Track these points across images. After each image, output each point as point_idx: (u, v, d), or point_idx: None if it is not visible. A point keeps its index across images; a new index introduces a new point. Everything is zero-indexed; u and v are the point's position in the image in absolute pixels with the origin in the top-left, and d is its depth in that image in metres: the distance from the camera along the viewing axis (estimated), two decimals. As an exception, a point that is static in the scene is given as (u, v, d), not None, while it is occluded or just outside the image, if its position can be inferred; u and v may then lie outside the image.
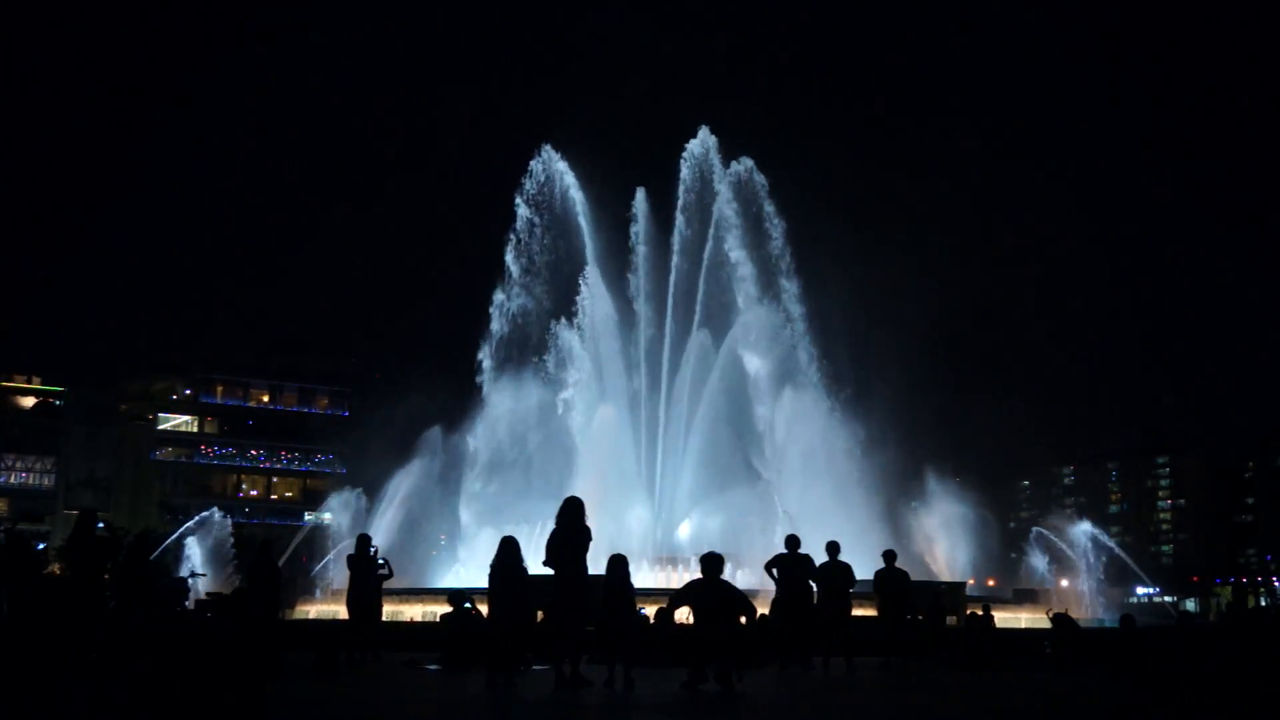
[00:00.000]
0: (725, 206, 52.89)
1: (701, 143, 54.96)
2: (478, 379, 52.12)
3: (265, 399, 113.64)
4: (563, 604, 14.36)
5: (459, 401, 53.39)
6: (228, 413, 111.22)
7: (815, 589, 19.29)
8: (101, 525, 22.28)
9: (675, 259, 53.71)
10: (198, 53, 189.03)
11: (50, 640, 16.28)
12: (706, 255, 52.87)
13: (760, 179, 54.21)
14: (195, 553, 51.38)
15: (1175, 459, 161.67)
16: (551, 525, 14.81)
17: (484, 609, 16.02)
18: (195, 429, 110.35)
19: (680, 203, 54.15)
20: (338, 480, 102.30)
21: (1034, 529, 58.44)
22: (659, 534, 48.54)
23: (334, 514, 57.54)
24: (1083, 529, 57.23)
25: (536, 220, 53.62)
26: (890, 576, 21.05)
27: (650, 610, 23.18)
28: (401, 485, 51.55)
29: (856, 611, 20.94)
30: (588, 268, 53.82)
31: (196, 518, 58.35)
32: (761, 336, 50.88)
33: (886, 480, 52.58)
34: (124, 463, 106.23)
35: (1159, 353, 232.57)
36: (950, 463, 55.79)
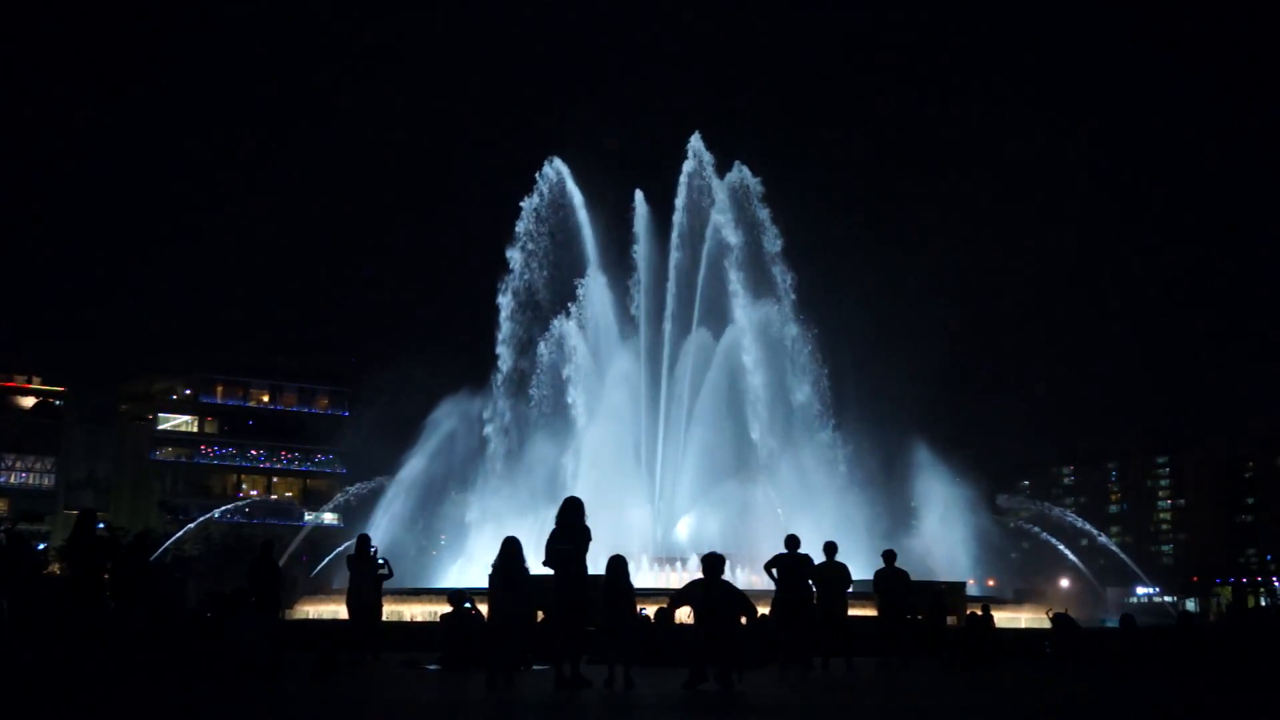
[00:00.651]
0: (722, 226, 52.78)
1: (695, 152, 54.95)
2: (494, 373, 51.93)
3: (265, 399, 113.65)
4: (563, 604, 14.37)
5: (458, 401, 53.28)
6: (228, 413, 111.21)
7: (814, 589, 19.30)
8: (101, 525, 22.30)
9: (674, 255, 53.62)
10: (197, 53, 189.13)
11: (50, 640, 16.29)
12: (705, 254, 52.76)
13: (755, 184, 54.05)
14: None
15: (1175, 459, 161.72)
16: (551, 525, 14.83)
17: (484, 609, 16.03)
18: (195, 429, 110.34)
19: (679, 201, 54.07)
20: (338, 480, 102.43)
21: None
22: (659, 533, 48.51)
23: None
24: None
25: (540, 228, 53.59)
26: (890, 576, 21.06)
27: (650, 610, 23.19)
28: (405, 481, 51.55)
29: (857, 611, 20.94)
30: (589, 269, 53.85)
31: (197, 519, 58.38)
32: (757, 339, 50.77)
33: (885, 480, 52.54)
34: (124, 463, 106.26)
35: (1159, 353, 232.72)
36: (950, 462, 55.64)
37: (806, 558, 19.19)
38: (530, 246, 53.29)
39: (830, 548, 20.22)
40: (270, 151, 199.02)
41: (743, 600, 14.81)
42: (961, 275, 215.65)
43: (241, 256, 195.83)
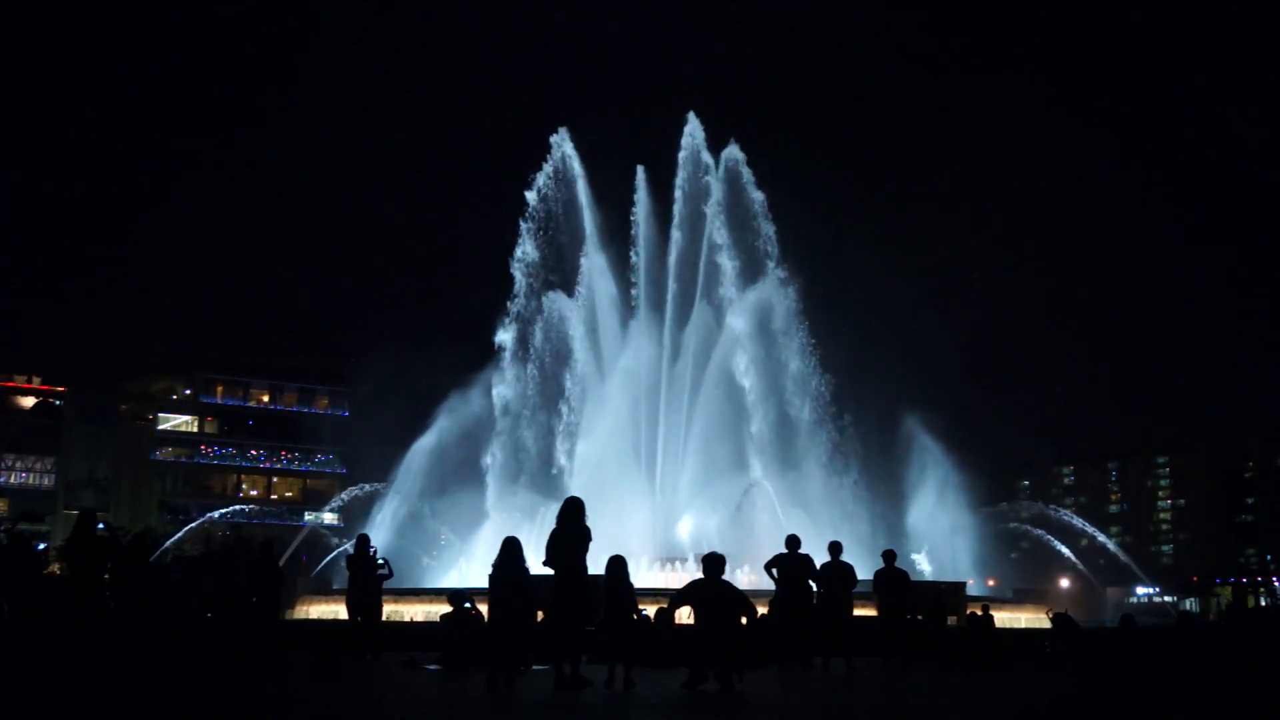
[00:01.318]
0: (716, 220, 52.33)
1: (691, 133, 54.08)
2: (498, 361, 51.45)
3: (265, 399, 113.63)
4: (563, 604, 14.36)
5: (460, 400, 53.12)
6: (228, 413, 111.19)
7: (815, 589, 19.30)
8: (101, 525, 22.30)
9: (675, 234, 52.85)
10: (198, 51, 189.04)
11: (50, 640, 16.28)
12: (706, 240, 52.12)
13: (748, 171, 53.40)
14: None
15: (1175, 459, 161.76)
16: (552, 524, 14.83)
17: (484, 609, 16.02)
18: (195, 429, 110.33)
19: (678, 181, 53.15)
20: (338, 480, 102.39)
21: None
22: (659, 532, 48.40)
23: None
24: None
25: (547, 208, 52.72)
26: (890, 576, 21.06)
27: (650, 610, 23.18)
28: (409, 477, 51.38)
29: (857, 611, 20.93)
30: (587, 246, 52.77)
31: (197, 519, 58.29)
32: (754, 334, 50.30)
33: (883, 480, 52.48)
34: (124, 463, 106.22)
35: (1159, 353, 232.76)
36: (949, 462, 55.60)
37: (807, 558, 19.19)
38: (536, 224, 52.40)
39: (835, 547, 20.23)
40: (270, 151, 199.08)
41: (743, 600, 14.80)
42: (961, 276, 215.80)
43: (242, 256, 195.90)
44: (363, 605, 20.93)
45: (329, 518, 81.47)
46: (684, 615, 20.94)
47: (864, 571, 22.27)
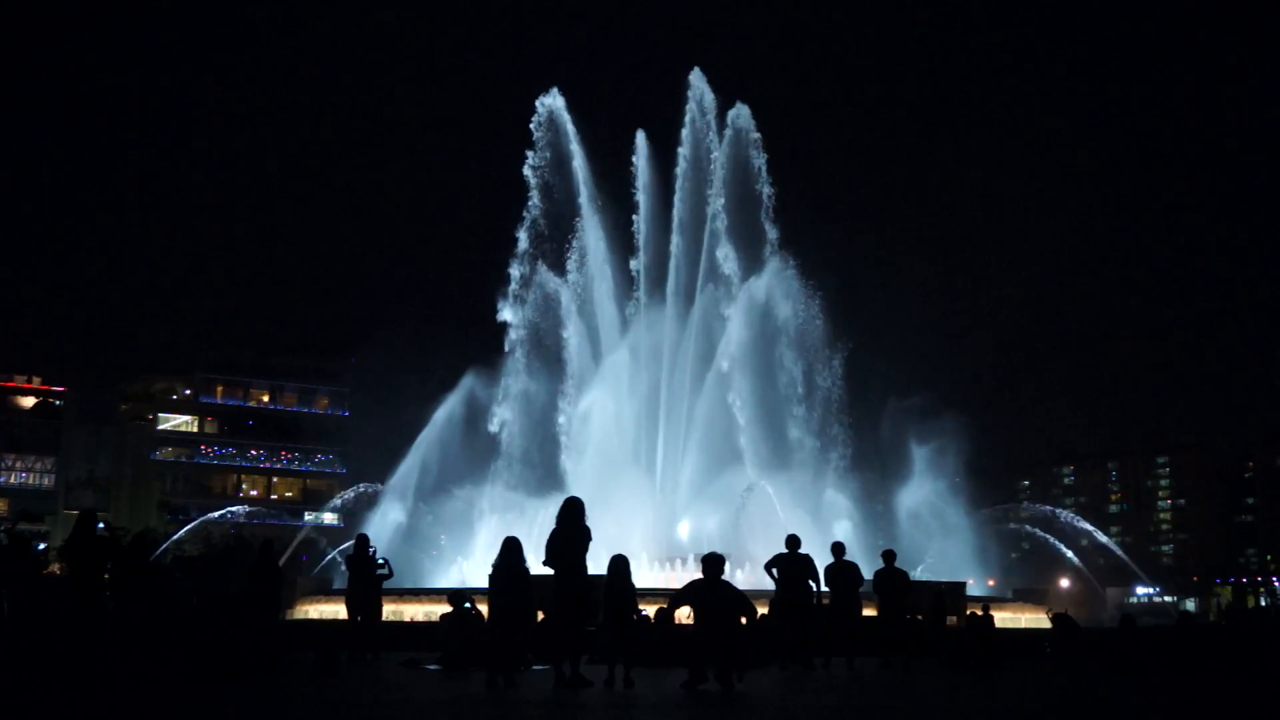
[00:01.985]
0: (719, 202, 50.72)
1: (697, 92, 51.32)
2: (505, 343, 50.47)
3: (265, 399, 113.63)
4: (563, 604, 14.35)
5: (459, 397, 52.96)
6: (228, 413, 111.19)
7: (815, 589, 19.28)
8: (102, 525, 22.28)
9: (677, 206, 50.84)
10: (196, 52, 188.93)
11: (50, 640, 16.27)
12: (708, 232, 50.82)
13: (756, 146, 51.13)
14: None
15: (1175, 459, 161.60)
16: (551, 524, 14.82)
17: (484, 609, 16.01)
18: (195, 429, 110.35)
19: (682, 149, 50.93)
20: (338, 480, 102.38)
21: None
22: (659, 532, 48.33)
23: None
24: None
25: (541, 186, 50.64)
26: (890, 576, 21.05)
27: (650, 610, 23.18)
28: (411, 477, 51.24)
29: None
30: (582, 220, 50.92)
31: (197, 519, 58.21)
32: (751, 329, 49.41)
33: (883, 479, 52.39)
34: (124, 463, 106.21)
35: (1159, 353, 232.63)
36: (949, 462, 55.57)
37: (807, 557, 19.18)
38: (541, 216, 50.32)
39: (838, 548, 20.22)
40: (268, 150, 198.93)
41: (743, 600, 14.79)
42: (961, 276, 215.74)
43: (241, 256, 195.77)
44: (362, 605, 20.92)
45: (329, 518, 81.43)
46: (684, 615, 20.94)
47: (864, 571, 22.25)
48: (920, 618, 24.26)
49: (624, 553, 15.34)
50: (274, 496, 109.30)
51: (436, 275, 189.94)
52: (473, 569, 42.52)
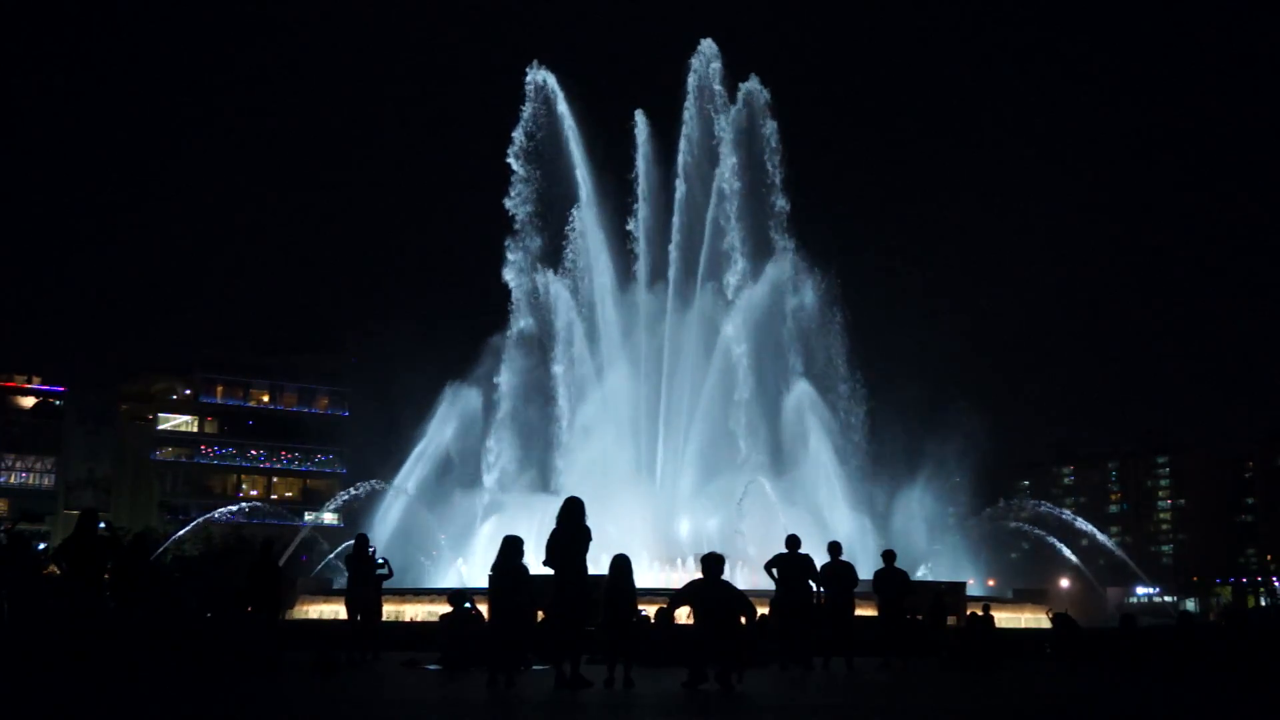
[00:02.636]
0: (728, 168, 49.36)
1: (703, 62, 49.11)
2: (503, 329, 49.74)
3: (265, 399, 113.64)
4: (563, 604, 14.35)
5: (459, 395, 52.81)
6: (228, 413, 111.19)
7: (815, 589, 19.29)
8: (103, 525, 22.27)
9: (679, 186, 49.00)
10: (197, 52, 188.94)
11: (50, 640, 16.27)
12: (711, 209, 50.01)
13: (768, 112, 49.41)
14: None
15: (1175, 459, 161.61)
16: (551, 524, 14.81)
17: (484, 609, 16.01)
18: (195, 429, 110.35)
19: (684, 130, 49.30)
20: (338, 480, 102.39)
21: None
22: (659, 532, 48.22)
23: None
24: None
25: (532, 169, 48.79)
26: (890, 576, 21.05)
27: (650, 610, 23.20)
28: (411, 476, 51.18)
29: (857, 611, 20.93)
30: (579, 210, 49.46)
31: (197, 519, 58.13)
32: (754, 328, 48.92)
33: (882, 480, 52.29)
34: (124, 463, 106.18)
35: (1159, 353, 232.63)
36: (950, 462, 55.51)
37: (807, 557, 19.19)
38: (521, 188, 48.36)
39: (834, 548, 20.21)
40: (267, 150, 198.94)
41: (743, 600, 14.80)
42: (961, 276, 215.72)
43: (241, 256, 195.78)
44: (362, 605, 20.92)
45: (329, 518, 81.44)
46: (684, 615, 20.95)
47: (864, 571, 22.27)
48: (920, 618, 24.27)
49: (624, 553, 15.34)
50: (274, 496, 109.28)
51: (437, 275, 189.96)
52: (472, 569, 42.49)
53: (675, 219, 50.17)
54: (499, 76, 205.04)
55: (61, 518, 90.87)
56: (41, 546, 48.75)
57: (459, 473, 51.81)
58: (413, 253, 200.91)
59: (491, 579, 14.59)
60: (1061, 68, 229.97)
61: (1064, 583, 58.35)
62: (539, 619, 15.02)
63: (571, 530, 14.48)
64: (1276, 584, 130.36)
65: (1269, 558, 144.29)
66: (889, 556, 21.38)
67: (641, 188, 50.71)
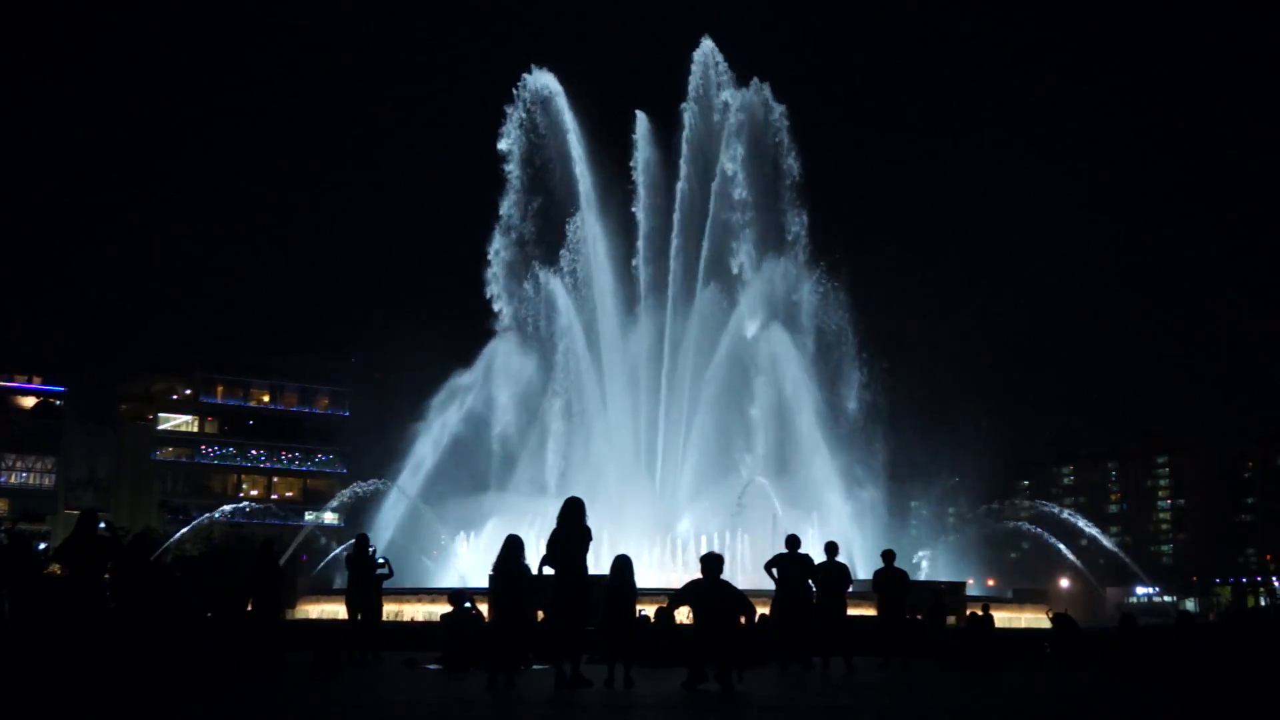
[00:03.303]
0: (728, 162, 49.16)
1: (704, 61, 49.12)
2: (494, 322, 49.54)
3: (265, 399, 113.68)
4: (563, 603, 14.36)
5: (458, 395, 52.75)
6: (228, 413, 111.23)
7: (814, 589, 19.30)
8: (103, 525, 22.27)
9: (680, 185, 48.92)
10: (196, 53, 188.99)
11: (50, 640, 16.28)
12: (713, 203, 49.64)
13: (780, 112, 49.38)
14: None
15: (1175, 459, 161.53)
16: (552, 524, 14.82)
17: (484, 609, 16.02)
18: (195, 429, 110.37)
19: (685, 132, 49.32)
20: (338, 480, 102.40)
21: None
22: (659, 532, 48.25)
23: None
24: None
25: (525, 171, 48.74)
26: (889, 576, 21.06)
27: (650, 610, 23.21)
28: (411, 476, 51.14)
29: (857, 611, 20.96)
30: (580, 215, 49.28)
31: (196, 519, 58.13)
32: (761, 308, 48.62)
33: (882, 480, 52.31)
34: (124, 463, 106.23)
35: (1159, 352, 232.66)
36: (949, 462, 55.58)
37: (807, 557, 19.20)
38: (517, 188, 48.15)
39: (831, 548, 20.21)
40: (266, 149, 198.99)
41: (742, 600, 14.80)
42: (961, 276, 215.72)
43: (241, 256, 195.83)
44: (362, 605, 20.92)
45: (329, 518, 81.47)
46: (684, 615, 20.95)
47: (864, 571, 22.30)
48: (920, 617, 24.27)
49: (625, 553, 15.35)
50: (274, 496, 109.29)
51: (437, 275, 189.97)
52: (473, 569, 42.50)
53: (675, 219, 50.24)
54: (499, 77, 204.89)
55: (62, 517, 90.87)
56: (42, 546, 48.79)
57: (459, 473, 51.81)
58: (413, 253, 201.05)
59: (492, 579, 14.59)
60: (1061, 68, 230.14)
61: (1064, 582, 58.47)
62: (539, 619, 15.03)
63: (572, 530, 14.49)
64: (1276, 584, 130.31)
65: (1268, 557, 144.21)
66: (889, 556, 21.39)
67: (641, 188, 50.95)
